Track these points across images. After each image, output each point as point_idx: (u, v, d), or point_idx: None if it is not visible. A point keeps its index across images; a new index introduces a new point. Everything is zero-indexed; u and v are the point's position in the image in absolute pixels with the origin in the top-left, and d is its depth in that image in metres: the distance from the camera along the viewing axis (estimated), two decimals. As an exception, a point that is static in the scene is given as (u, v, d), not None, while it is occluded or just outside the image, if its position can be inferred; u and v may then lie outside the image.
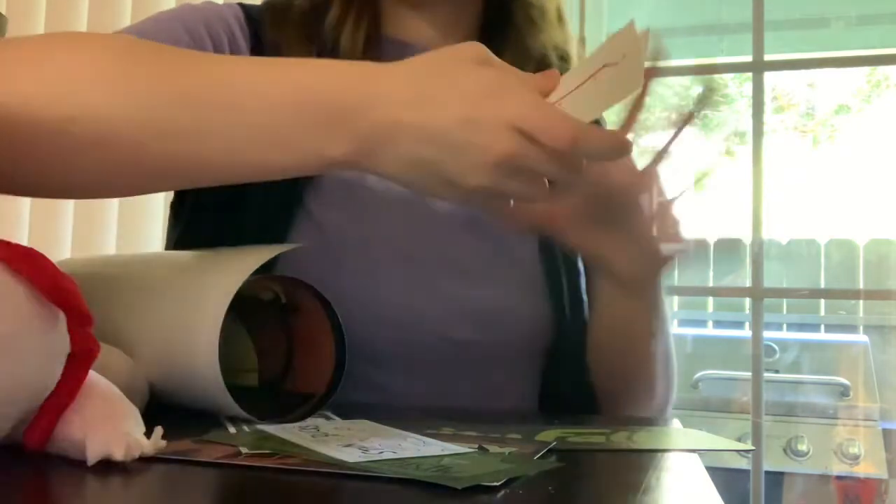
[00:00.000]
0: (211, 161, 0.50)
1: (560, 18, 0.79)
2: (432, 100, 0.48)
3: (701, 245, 0.66)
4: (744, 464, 1.44)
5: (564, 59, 0.78)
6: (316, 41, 0.72)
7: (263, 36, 0.74)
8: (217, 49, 0.70)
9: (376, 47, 0.73)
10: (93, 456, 0.39)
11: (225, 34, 0.72)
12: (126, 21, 1.57)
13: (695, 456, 0.49)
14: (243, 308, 0.64)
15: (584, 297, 0.77)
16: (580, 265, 0.78)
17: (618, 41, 0.52)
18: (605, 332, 0.73)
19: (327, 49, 0.72)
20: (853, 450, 1.70)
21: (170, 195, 1.48)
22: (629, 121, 0.60)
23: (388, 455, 0.43)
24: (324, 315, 0.62)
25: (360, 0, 0.74)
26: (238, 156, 0.50)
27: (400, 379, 0.70)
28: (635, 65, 0.51)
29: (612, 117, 0.63)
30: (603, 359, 0.74)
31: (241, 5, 0.77)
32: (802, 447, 1.71)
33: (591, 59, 0.52)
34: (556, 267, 0.76)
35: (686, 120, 0.63)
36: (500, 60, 0.51)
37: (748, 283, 1.31)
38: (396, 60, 0.58)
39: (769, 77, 1.42)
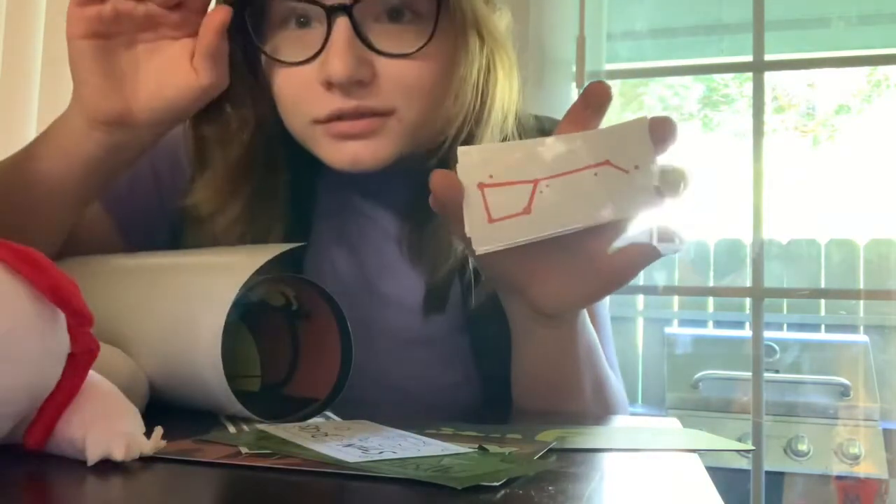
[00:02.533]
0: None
1: None
2: None
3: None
4: (744, 464, 1.45)
5: None
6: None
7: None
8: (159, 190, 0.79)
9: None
10: (93, 456, 0.39)
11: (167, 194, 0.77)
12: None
13: (695, 456, 0.49)
14: (250, 314, 0.64)
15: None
16: None
17: (626, 137, 0.49)
18: (522, 362, 0.66)
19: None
20: (853, 450, 1.70)
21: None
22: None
23: (388, 455, 0.43)
24: (333, 320, 0.61)
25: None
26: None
27: None
28: (647, 183, 0.48)
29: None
30: (524, 387, 0.67)
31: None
32: (802, 447, 1.71)
33: (589, 139, 0.49)
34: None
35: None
36: None
37: (748, 283, 1.31)
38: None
39: (769, 77, 1.42)
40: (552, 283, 0.56)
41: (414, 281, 0.75)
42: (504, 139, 0.68)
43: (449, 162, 0.61)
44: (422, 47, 0.62)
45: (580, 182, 0.49)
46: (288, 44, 0.64)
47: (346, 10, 0.60)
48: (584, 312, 0.63)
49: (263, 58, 0.65)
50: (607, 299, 0.83)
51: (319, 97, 0.62)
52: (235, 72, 0.65)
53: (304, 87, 0.63)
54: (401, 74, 0.63)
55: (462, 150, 0.50)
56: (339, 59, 0.60)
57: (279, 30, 0.65)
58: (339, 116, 0.62)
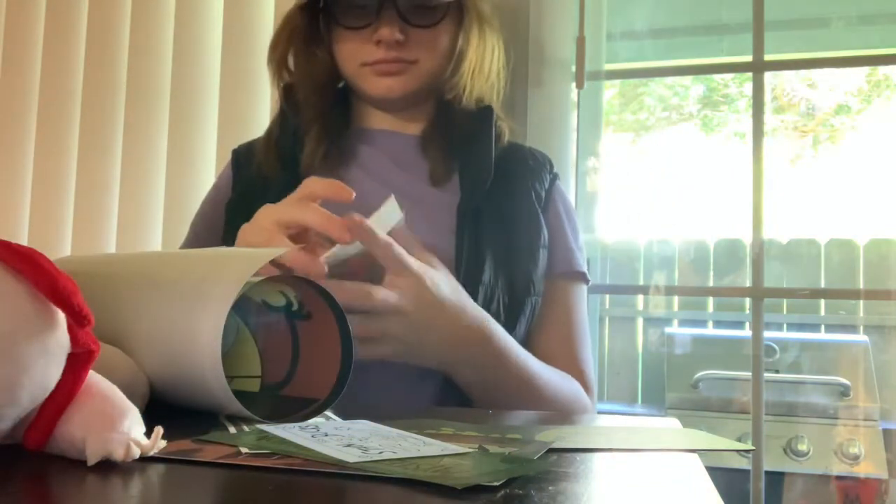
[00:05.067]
0: None
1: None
2: None
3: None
4: (744, 464, 1.44)
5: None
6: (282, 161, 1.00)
7: (239, 174, 1.05)
8: (216, 214, 1.03)
9: (339, 139, 1.02)
10: (93, 456, 0.39)
11: (220, 201, 1.03)
12: (125, 19, 1.57)
13: (695, 456, 0.49)
14: (251, 314, 0.64)
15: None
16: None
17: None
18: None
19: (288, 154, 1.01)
20: (853, 450, 1.70)
21: (169, 197, 1.48)
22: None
23: (388, 455, 0.43)
24: (333, 320, 0.61)
25: (322, 130, 1.01)
26: None
27: None
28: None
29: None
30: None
31: (234, 151, 1.09)
32: (802, 447, 1.71)
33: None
34: (467, 249, 0.92)
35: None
36: None
37: (748, 283, 1.31)
38: (362, 144, 1.02)
39: (769, 77, 1.42)
40: (416, 349, 0.78)
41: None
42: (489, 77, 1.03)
43: (452, 102, 1.01)
44: (436, 23, 0.97)
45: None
46: (350, 18, 0.98)
47: (393, 2, 0.95)
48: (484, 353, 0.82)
49: (335, 28, 0.99)
50: (584, 303, 1.02)
51: (370, 49, 0.97)
52: (320, 48, 1.01)
53: (360, 43, 0.97)
54: (424, 39, 0.98)
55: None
56: (387, 28, 0.94)
57: (345, 9, 0.98)
58: (382, 62, 0.96)
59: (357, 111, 1.06)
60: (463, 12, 1.00)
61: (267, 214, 0.76)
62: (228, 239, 0.98)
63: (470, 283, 0.89)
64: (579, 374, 0.96)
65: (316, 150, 0.99)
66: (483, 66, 1.01)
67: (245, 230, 0.77)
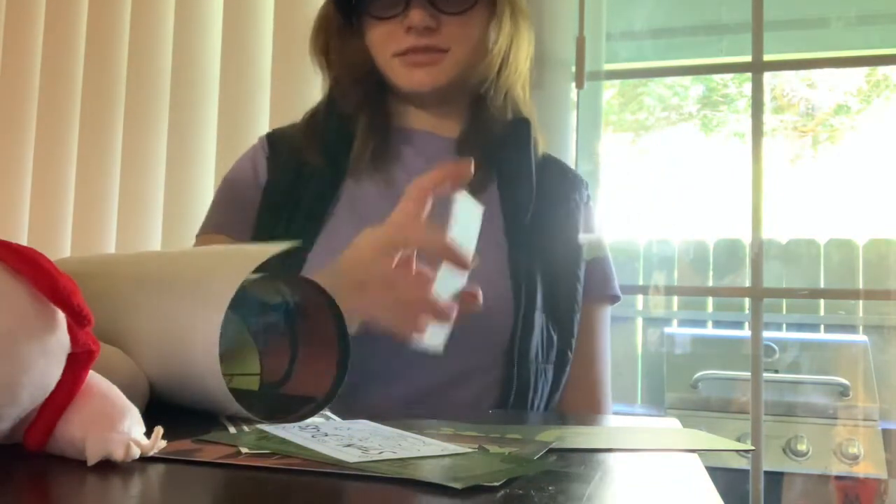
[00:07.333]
0: None
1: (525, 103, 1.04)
2: None
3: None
4: (744, 464, 1.44)
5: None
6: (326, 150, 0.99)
7: (275, 158, 1.02)
8: (248, 193, 1.00)
9: (385, 137, 0.99)
10: (93, 456, 0.39)
11: (252, 180, 1.01)
12: (125, 19, 1.57)
13: (695, 456, 0.49)
14: (249, 312, 0.64)
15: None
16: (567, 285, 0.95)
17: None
18: None
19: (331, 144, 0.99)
20: (853, 450, 1.70)
21: (169, 197, 1.48)
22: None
23: (388, 455, 0.43)
24: (331, 319, 0.61)
25: (367, 125, 0.98)
26: None
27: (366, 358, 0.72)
28: None
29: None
30: None
31: (269, 136, 1.05)
32: (802, 447, 1.71)
33: None
34: (521, 265, 0.92)
35: None
36: None
37: (747, 283, 1.31)
38: (403, 145, 1.00)
39: (768, 77, 1.42)
40: None
41: None
42: (519, 81, 1.01)
43: (486, 98, 0.99)
44: (467, 9, 0.94)
45: None
46: (381, 7, 0.95)
47: None
48: None
49: (367, 19, 0.97)
50: (608, 325, 1.02)
51: (401, 38, 0.94)
52: (356, 39, 0.98)
53: (391, 32, 0.95)
54: (456, 27, 0.94)
55: None
56: (417, 12, 0.92)
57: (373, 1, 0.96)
58: (412, 50, 0.93)
59: (394, 109, 1.02)
60: (495, 1, 0.97)
61: (367, 240, 0.73)
62: (265, 221, 0.97)
63: (528, 314, 0.89)
64: (594, 401, 0.97)
65: (364, 147, 0.97)
66: (515, 57, 0.99)
67: (346, 258, 0.74)
